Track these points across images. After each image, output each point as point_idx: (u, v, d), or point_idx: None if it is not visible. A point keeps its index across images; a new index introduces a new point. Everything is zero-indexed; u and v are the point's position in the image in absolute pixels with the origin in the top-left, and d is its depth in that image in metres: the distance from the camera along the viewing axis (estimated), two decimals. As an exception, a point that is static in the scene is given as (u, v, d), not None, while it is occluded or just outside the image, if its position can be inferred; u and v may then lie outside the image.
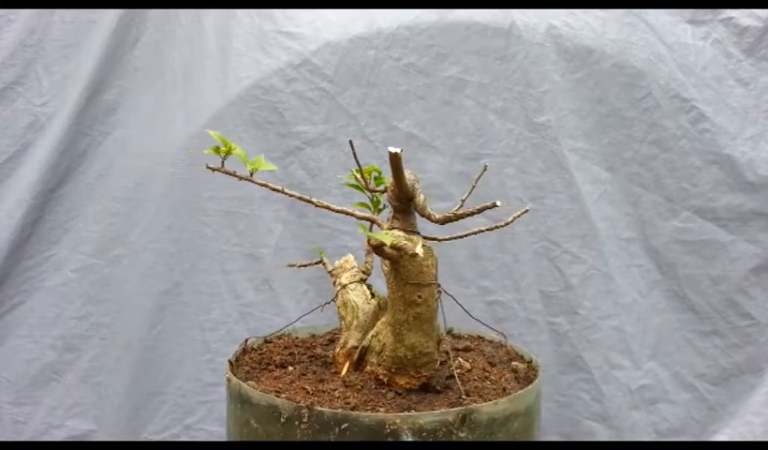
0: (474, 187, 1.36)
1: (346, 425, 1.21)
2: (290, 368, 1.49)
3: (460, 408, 1.24)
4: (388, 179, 1.36)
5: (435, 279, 1.35)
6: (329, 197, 2.01)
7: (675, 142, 2.16)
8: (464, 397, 1.32)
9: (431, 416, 1.22)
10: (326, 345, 1.62)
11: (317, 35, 2.17)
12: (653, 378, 2.21)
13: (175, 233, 2.19)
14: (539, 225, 2.18)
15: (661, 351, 2.22)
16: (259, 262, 2.20)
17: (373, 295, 1.52)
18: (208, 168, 1.37)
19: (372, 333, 1.44)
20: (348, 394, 1.34)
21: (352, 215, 1.42)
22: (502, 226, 1.41)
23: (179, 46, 2.19)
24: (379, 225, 1.41)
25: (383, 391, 1.36)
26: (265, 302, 2.21)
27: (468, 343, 1.65)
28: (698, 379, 2.22)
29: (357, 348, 1.46)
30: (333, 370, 1.48)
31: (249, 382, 1.38)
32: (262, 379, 1.42)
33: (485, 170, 1.33)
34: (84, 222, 2.19)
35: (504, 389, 1.38)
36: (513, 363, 1.51)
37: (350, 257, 1.58)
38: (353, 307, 1.50)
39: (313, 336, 1.70)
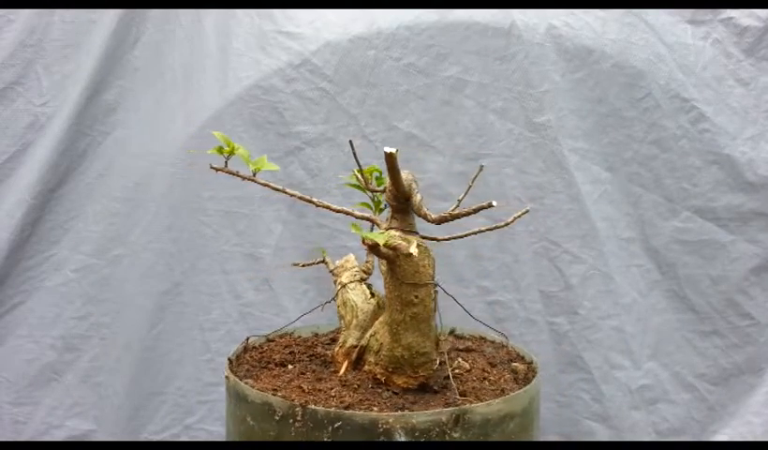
0: (470, 187, 1.36)
1: (339, 423, 1.21)
2: (290, 367, 1.49)
3: (453, 408, 1.24)
4: (388, 179, 1.36)
5: (432, 279, 1.35)
6: (329, 197, 2.01)
7: (675, 142, 2.16)
8: (458, 397, 1.32)
9: (424, 416, 1.22)
10: (327, 344, 1.62)
11: (317, 35, 2.17)
12: (653, 378, 2.21)
13: (175, 233, 2.19)
14: (539, 225, 2.18)
15: (661, 351, 2.22)
16: (259, 262, 2.20)
17: (372, 295, 1.53)
18: (212, 168, 1.38)
19: (370, 332, 1.45)
20: (344, 393, 1.34)
21: (352, 215, 1.42)
22: (502, 226, 1.41)
23: (179, 46, 2.20)
24: (378, 225, 1.41)
25: (379, 390, 1.37)
26: (265, 302, 2.21)
27: (470, 344, 1.65)
28: (698, 379, 2.22)
29: (355, 347, 1.47)
30: (332, 369, 1.48)
31: (246, 380, 1.38)
32: (262, 377, 1.43)
33: (481, 170, 1.33)
34: (84, 222, 2.20)
35: (502, 390, 1.38)
36: (513, 364, 1.51)
37: (351, 256, 1.58)
38: (352, 306, 1.50)
39: (316, 335, 1.71)
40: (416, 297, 1.33)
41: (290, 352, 1.58)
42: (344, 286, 1.53)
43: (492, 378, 1.44)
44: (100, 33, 2.16)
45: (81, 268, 2.19)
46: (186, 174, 2.17)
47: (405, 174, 1.34)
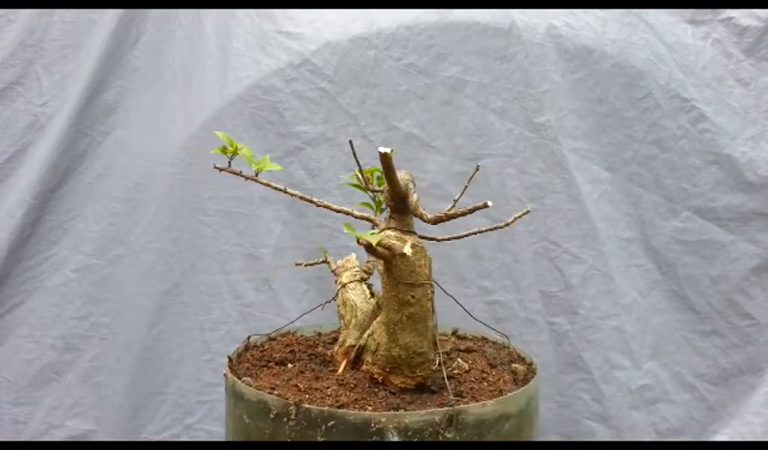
0: (466, 187, 1.36)
1: (332, 422, 1.22)
2: (290, 366, 1.50)
3: (447, 408, 1.24)
4: (387, 179, 1.36)
5: (429, 279, 1.35)
6: (329, 197, 2.01)
7: (675, 142, 2.16)
8: (451, 397, 1.32)
9: (417, 416, 1.22)
10: (329, 344, 1.63)
11: (317, 35, 2.17)
12: (653, 378, 2.21)
13: (175, 233, 2.19)
14: (539, 225, 2.18)
15: (661, 351, 2.22)
16: (259, 262, 2.20)
17: (372, 295, 1.53)
18: (215, 168, 1.38)
19: (368, 332, 1.45)
20: (341, 392, 1.34)
21: (352, 215, 1.42)
22: (502, 226, 1.41)
23: (179, 46, 2.20)
24: (377, 225, 1.41)
25: (376, 390, 1.37)
26: (265, 302, 2.21)
27: (471, 344, 1.65)
28: (698, 379, 2.22)
29: (354, 347, 1.47)
30: (331, 369, 1.49)
31: (245, 378, 1.39)
32: (261, 375, 1.44)
33: (477, 170, 1.33)
34: (84, 222, 2.20)
35: (500, 391, 1.37)
36: (513, 365, 1.51)
37: (353, 256, 1.59)
38: (352, 306, 1.51)
39: (318, 334, 1.71)
40: (412, 297, 1.33)
41: (291, 351, 1.58)
42: (344, 286, 1.54)
43: (491, 379, 1.44)
44: (100, 33, 2.16)
45: (81, 268, 2.19)
46: (186, 174, 2.17)
47: (402, 174, 1.35)
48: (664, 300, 2.21)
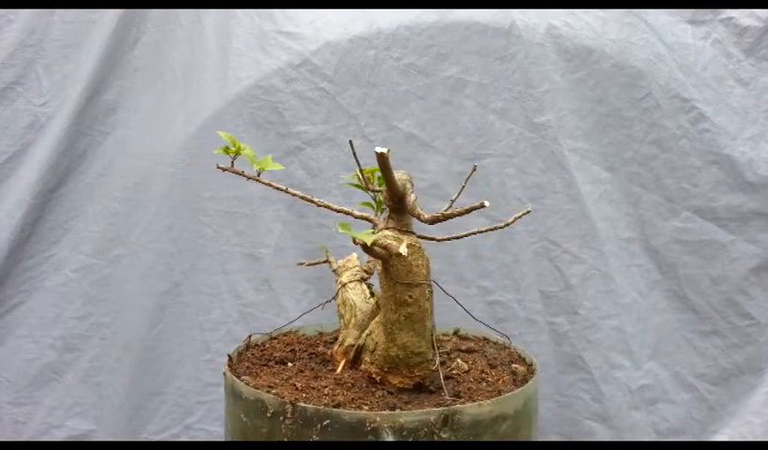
0: (463, 187, 1.36)
1: (327, 421, 1.22)
2: (289, 365, 1.50)
3: (442, 408, 1.24)
4: (388, 179, 1.36)
5: (426, 279, 1.35)
6: (329, 197, 2.01)
7: (675, 142, 2.16)
8: (447, 397, 1.32)
9: (412, 416, 1.22)
10: (330, 343, 1.63)
11: (317, 35, 2.17)
12: (653, 378, 2.21)
13: (175, 233, 2.19)
14: (539, 225, 2.18)
15: (661, 351, 2.22)
16: (259, 262, 2.20)
17: (372, 294, 1.53)
18: (218, 168, 1.39)
19: (366, 332, 1.45)
20: (338, 391, 1.35)
21: (352, 215, 1.42)
22: (502, 227, 1.41)
23: (179, 46, 2.20)
24: (376, 225, 1.41)
25: (373, 390, 1.37)
26: (265, 302, 2.21)
27: (472, 344, 1.65)
28: (698, 379, 2.22)
29: (353, 346, 1.47)
30: (330, 368, 1.49)
31: (244, 377, 1.39)
32: (261, 374, 1.44)
33: (474, 170, 1.33)
34: (84, 222, 2.20)
35: (499, 392, 1.37)
36: (513, 365, 1.51)
37: (353, 256, 1.59)
38: (351, 305, 1.51)
39: (320, 333, 1.72)
40: (410, 297, 1.33)
41: (291, 351, 1.58)
42: (344, 285, 1.54)
43: (490, 379, 1.44)
44: (100, 33, 2.16)
45: (81, 268, 2.19)
46: (186, 174, 2.17)
47: (399, 174, 1.35)
48: (664, 300, 2.21)
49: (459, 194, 1.36)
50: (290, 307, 2.19)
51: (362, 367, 1.43)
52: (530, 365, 1.52)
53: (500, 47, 2.15)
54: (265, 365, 1.50)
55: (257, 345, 1.62)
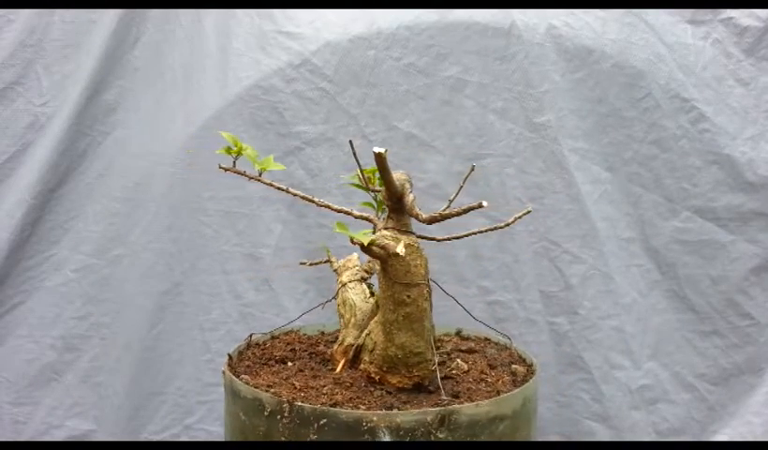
0: (461, 187, 1.36)
1: (324, 420, 1.22)
2: (289, 364, 1.50)
3: (439, 408, 1.24)
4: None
5: (424, 279, 1.35)
6: (329, 197, 2.00)
7: (675, 142, 2.16)
8: (444, 397, 1.32)
9: (409, 416, 1.22)
10: (331, 343, 1.63)
11: (317, 35, 2.17)
12: (653, 378, 2.21)
13: (175, 233, 2.19)
14: (539, 225, 2.18)
15: (661, 351, 2.22)
16: (259, 262, 2.20)
17: (372, 294, 1.53)
18: (220, 167, 1.39)
19: (366, 331, 1.45)
20: (336, 391, 1.35)
21: (352, 215, 1.42)
22: (503, 227, 1.41)
23: (179, 46, 2.20)
24: (375, 224, 1.41)
25: (372, 389, 1.37)
26: (265, 302, 2.21)
27: (473, 345, 1.65)
28: (698, 379, 2.22)
29: (353, 346, 1.47)
30: (330, 368, 1.49)
31: (243, 376, 1.39)
32: (261, 373, 1.44)
33: (472, 170, 1.33)
34: (84, 222, 2.20)
35: (498, 392, 1.37)
36: (513, 366, 1.51)
37: (354, 256, 1.59)
38: (351, 305, 1.51)
39: (322, 333, 1.72)
40: (408, 297, 1.33)
41: (292, 350, 1.59)
42: (344, 285, 1.54)
43: (489, 380, 1.44)
44: (100, 33, 2.16)
45: (81, 268, 2.19)
46: (186, 174, 2.17)
47: (398, 174, 1.35)
48: (664, 300, 2.21)
49: (457, 194, 1.36)
50: (290, 307, 2.19)
51: (362, 366, 1.43)
52: (530, 365, 1.52)
53: (500, 47, 2.15)
54: (265, 364, 1.50)
55: (257, 344, 1.62)
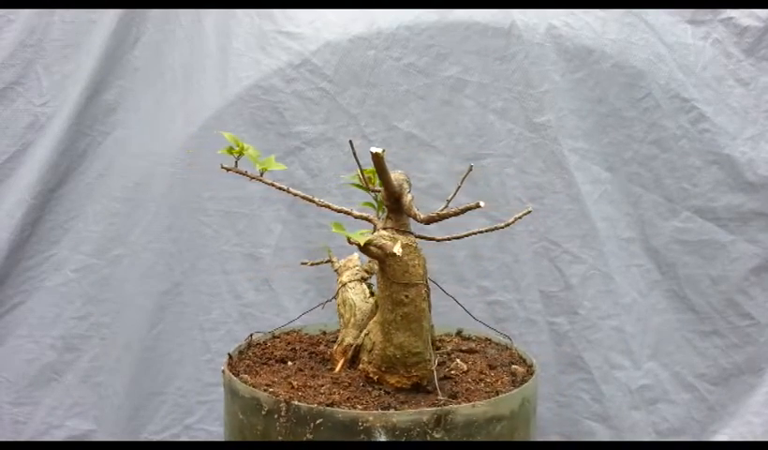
0: (459, 187, 1.36)
1: (320, 420, 1.22)
2: (289, 364, 1.50)
3: (435, 408, 1.24)
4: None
5: (422, 279, 1.34)
6: (329, 197, 2.00)
7: (675, 142, 2.16)
8: (440, 397, 1.32)
9: (404, 415, 1.22)
10: (332, 342, 1.63)
11: (317, 35, 2.17)
12: (653, 378, 2.21)
13: (175, 233, 2.19)
14: (539, 225, 2.18)
15: (661, 351, 2.22)
16: (259, 262, 2.20)
17: (372, 294, 1.53)
18: (222, 168, 1.40)
19: (364, 331, 1.45)
20: (334, 390, 1.35)
21: (351, 214, 1.42)
22: (503, 227, 1.41)
23: (179, 46, 2.20)
24: (375, 224, 1.41)
25: (370, 389, 1.37)
26: (265, 302, 2.21)
27: (474, 345, 1.65)
28: (698, 379, 2.22)
29: (352, 345, 1.47)
30: (330, 367, 1.49)
31: (242, 375, 1.39)
32: (261, 372, 1.45)
33: (470, 170, 1.33)
34: (84, 222, 2.20)
35: (497, 392, 1.37)
36: (513, 366, 1.51)
37: (355, 256, 1.59)
38: (351, 305, 1.51)
39: (323, 333, 1.72)
40: (406, 297, 1.33)
41: (292, 349, 1.59)
42: (344, 285, 1.54)
43: (488, 380, 1.44)
44: (100, 33, 2.16)
45: (81, 268, 2.19)
46: (186, 174, 2.17)
47: (396, 175, 1.35)
48: (664, 300, 2.21)
49: (455, 194, 1.36)
50: (290, 307, 2.19)
51: (360, 366, 1.43)
52: (530, 366, 1.52)
53: (500, 47, 2.15)
54: (265, 363, 1.51)
55: (258, 344, 1.63)
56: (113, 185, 2.20)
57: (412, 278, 1.33)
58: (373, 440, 1.21)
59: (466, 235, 1.41)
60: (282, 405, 1.25)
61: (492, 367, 1.51)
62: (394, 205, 1.37)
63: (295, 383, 1.37)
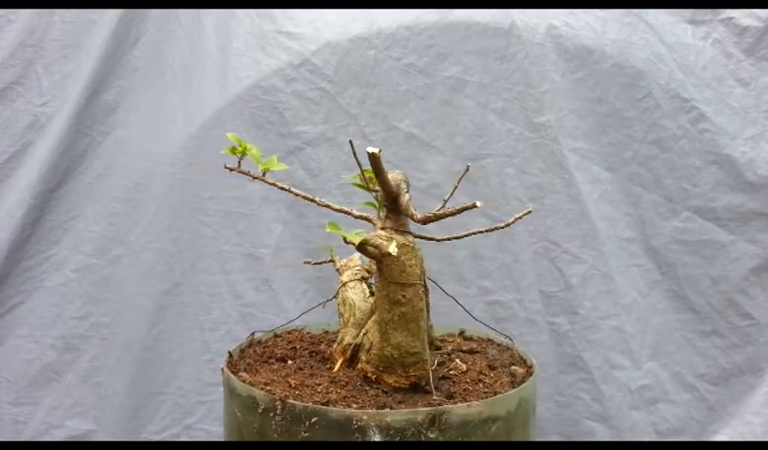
0: (456, 187, 1.36)
1: (315, 418, 1.23)
2: (289, 362, 1.51)
3: (430, 408, 1.24)
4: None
5: (420, 279, 1.34)
6: (329, 197, 2.00)
7: (675, 142, 2.16)
8: (435, 397, 1.32)
9: (399, 415, 1.22)
10: (333, 342, 1.63)
11: (317, 35, 2.17)
12: (653, 378, 2.21)
13: (175, 233, 2.19)
14: (539, 225, 2.18)
15: (661, 351, 2.22)
16: (259, 262, 2.20)
17: (372, 293, 1.53)
18: (226, 168, 1.40)
19: (363, 331, 1.45)
20: (331, 389, 1.35)
21: (351, 214, 1.42)
22: (503, 227, 1.41)
23: (179, 46, 2.20)
24: (374, 224, 1.41)
25: (367, 388, 1.37)
26: (265, 302, 2.21)
27: (475, 345, 1.65)
28: (698, 379, 2.22)
29: (351, 345, 1.47)
30: (329, 366, 1.49)
31: (241, 374, 1.40)
32: (260, 371, 1.45)
33: (467, 170, 1.33)
34: (84, 222, 2.20)
35: (495, 393, 1.37)
36: (513, 367, 1.51)
37: (355, 256, 1.60)
38: (351, 304, 1.52)
39: (326, 332, 1.72)
40: (403, 297, 1.33)
41: (293, 348, 1.59)
42: (344, 284, 1.55)
43: (487, 380, 1.43)
44: (100, 33, 2.16)
45: (81, 268, 2.19)
46: (186, 174, 2.17)
47: (394, 174, 1.35)
48: (664, 300, 2.21)
49: (452, 194, 1.36)
50: (290, 307, 2.19)
51: (359, 365, 1.43)
52: (530, 366, 1.52)
53: (500, 47, 2.15)
54: (265, 362, 1.51)
55: (260, 342, 1.63)
56: (113, 185, 2.20)
57: (409, 278, 1.33)
58: (367, 439, 1.20)
59: (466, 235, 1.41)
60: (278, 403, 1.25)
61: (492, 368, 1.51)
62: (392, 205, 1.37)
63: (293, 382, 1.37)
